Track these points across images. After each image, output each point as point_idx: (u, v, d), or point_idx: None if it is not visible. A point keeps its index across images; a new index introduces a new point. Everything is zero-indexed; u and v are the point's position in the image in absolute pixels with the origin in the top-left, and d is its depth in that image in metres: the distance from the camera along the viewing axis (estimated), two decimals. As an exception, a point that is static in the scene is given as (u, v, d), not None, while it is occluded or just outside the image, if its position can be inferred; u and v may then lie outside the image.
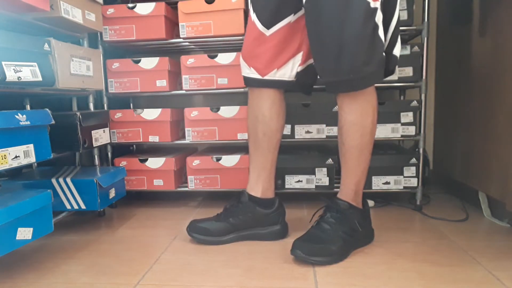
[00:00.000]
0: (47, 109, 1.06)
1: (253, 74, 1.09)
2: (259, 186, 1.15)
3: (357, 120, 0.99)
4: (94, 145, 1.33)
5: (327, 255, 0.97)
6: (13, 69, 0.96)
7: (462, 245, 1.08)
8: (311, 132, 1.42)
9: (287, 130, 1.42)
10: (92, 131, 1.32)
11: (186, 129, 1.49)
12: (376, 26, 0.92)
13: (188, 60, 1.46)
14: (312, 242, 0.99)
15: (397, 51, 1.01)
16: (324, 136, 1.42)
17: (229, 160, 1.46)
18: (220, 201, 1.59)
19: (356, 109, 0.99)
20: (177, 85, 1.60)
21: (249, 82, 1.11)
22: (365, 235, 1.09)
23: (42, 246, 1.15)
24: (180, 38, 1.47)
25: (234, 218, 1.12)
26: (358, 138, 1.00)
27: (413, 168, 1.40)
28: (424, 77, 1.38)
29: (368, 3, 0.90)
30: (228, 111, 1.45)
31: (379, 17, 0.92)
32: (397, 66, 1.05)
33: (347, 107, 1.00)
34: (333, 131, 1.41)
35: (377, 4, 0.91)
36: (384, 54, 0.96)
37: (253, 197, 1.14)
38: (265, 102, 1.11)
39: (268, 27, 1.04)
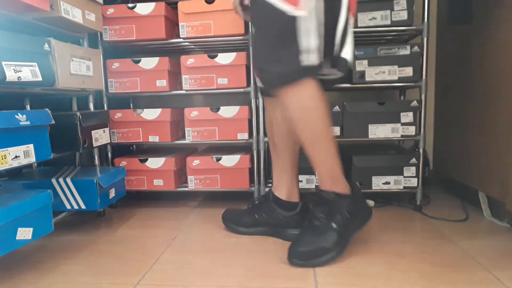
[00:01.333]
0: (47, 109, 1.06)
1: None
2: (282, 188, 1.18)
3: (295, 116, 1.00)
4: (94, 145, 1.33)
5: (324, 254, 0.97)
6: (13, 69, 0.96)
7: (462, 245, 1.08)
8: (311, 132, 1.42)
9: (287, 130, 1.42)
10: (92, 131, 1.32)
11: (186, 129, 1.49)
12: (293, 33, 0.94)
13: (188, 60, 1.46)
14: (305, 245, 0.98)
15: (347, 53, 1.02)
16: (324, 136, 1.42)
17: (229, 160, 1.46)
18: (220, 201, 1.59)
19: (290, 107, 1.00)
20: (177, 85, 1.60)
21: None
22: (360, 218, 1.07)
23: (42, 246, 1.15)
24: (180, 38, 1.47)
25: (259, 214, 1.19)
26: (302, 133, 1.02)
27: (413, 168, 1.40)
28: (424, 77, 1.38)
29: (283, 12, 0.93)
30: (228, 111, 1.45)
31: (302, 24, 0.94)
32: (349, 68, 1.07)
33: (282, 106, 1.04)
34: (333, 131, 1.41)
35: (300, 13, 0.93)
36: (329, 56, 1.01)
37: (276, 197, 1.17)
38: (278, 106, 1.13)
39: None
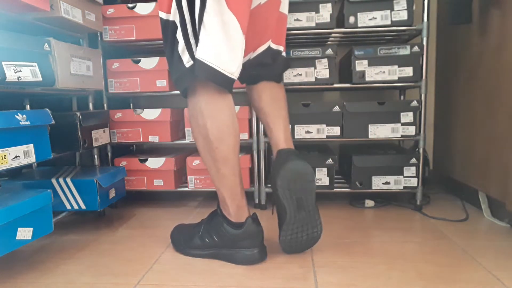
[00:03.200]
0: (47, 109, 1.06)
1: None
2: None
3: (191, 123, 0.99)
4: (94, 145, 1.33)
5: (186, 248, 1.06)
6: (13, 69, 0.96)
7: (462, 245, 1.08)
8: (311, 132, 1.42)
9: (287, 130, 1.42)
10: (92, 131, 1.32)
11: (186, 129, 1.49)
12: (175, 41, 0.91)
13: (188, 60, 1.45)
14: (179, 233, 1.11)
15: (202, 52, 0.87)
16: (324, 136, 1.42)
17: (229, 160, 1.46)
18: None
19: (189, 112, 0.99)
20: (177, 85, 1.60)
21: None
22: (239, 255, 0.98)
23: (42, 246, 1.15)
24: (180, 38, 1.47)
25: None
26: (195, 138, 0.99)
27: (413, 168, 1.40)
28: (424, 77, 1.38)
29: (161, 18, 0.93)
30: (228, 111, 1.44)
31: (176, 27, 0.90)
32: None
33: None
34: (333, 131, 1.41)
35: (169, 16, 0.91)
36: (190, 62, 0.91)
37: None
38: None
39: None
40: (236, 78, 0.92)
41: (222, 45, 0.87)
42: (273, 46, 1.09)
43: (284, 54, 1.13)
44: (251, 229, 0.97)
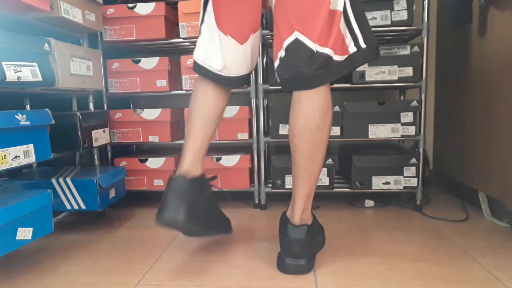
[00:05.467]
0: (47, 109, 1.06)
1: None
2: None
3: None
4: (94, 145, 1.33)
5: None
6: (13, 69, 0.96)
7: (462, 245, 1.08)
8: (311, 132, 1.42)
9: (287, 130, 1.42)
10: (92, 131, 1.32)
11: (186, 129, 1.49)
12: None
13: (188, 60, 1.46)
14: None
15: (194, 55, 1.05)
16: (324, 136, 1.42)
17: (229, 160, 1.46)
18: (220, 201, 1.59)
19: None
20: (177, 85, 1.60)
21: None
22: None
23: (42, 246, 1.15)
24: (180, 38, 1.47)
25: None
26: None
27: (413, 168, 1.40)
28: (424, 77, 1.38)
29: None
30: (228, 111, 1.45)
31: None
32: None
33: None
34: (333, 131, 1.41)
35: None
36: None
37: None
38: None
39: None
40: (226, 75, 0.99)
41: (208, 47, 1.00)
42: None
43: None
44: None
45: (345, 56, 0.89)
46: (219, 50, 0.98)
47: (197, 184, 0.98)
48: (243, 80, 1.04)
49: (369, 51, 0.89)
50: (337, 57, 0.88)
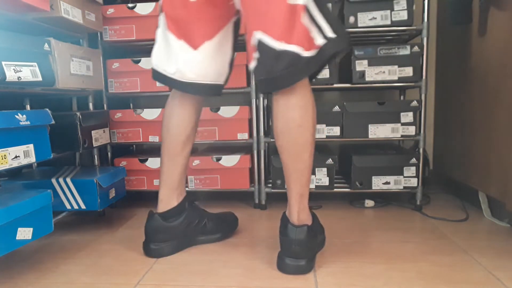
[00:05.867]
0: (47, 109, 1.06)
1: None
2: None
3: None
4: (94, 145, 1.33)
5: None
6: (13, 69, 0.96)
7: (462, 245, 1.08)
8: (311, 132, 1.42)
9: (287, 130, 1.42)
10: (92, 131, 1.32)
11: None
12: None
13: (188, 60, 1.45)
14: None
15: (151, 60, 1.06)
16: (324, 136, 1.42)
17: (229, 160, 1.46)
18: (220, 201, 1.60)
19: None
20: (177, 85, 1.59)
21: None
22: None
23: (42, 246, 1.15)
24: (180, 38, 1.47)
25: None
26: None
27: (413, 168, 1.40)
28: (424, 77, 1.38)
29: None
30: (228, 111, 1.45)
31: None
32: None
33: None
34: (333, 131, 1.41)
35: None
36: None
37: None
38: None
39: None
40: (181, 80, 0.99)
41: (162, 51, 1.01)
42: None
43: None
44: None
45: (315, 50, 0.85)
46: (172, 53, 0.98)
47: (173, 214, 1.07)
48: (210, 90, 1.02)
49: (339, 40, 0.85)
50: (307, 53, 0.85)
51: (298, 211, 0.93)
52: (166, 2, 0.97)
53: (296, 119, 0.88)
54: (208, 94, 1.03)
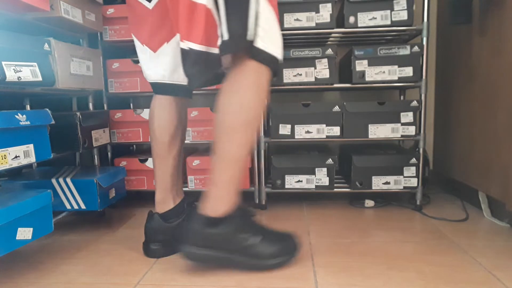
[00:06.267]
0: (47, 109, 1.06)
1: None
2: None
3: None
4: (94, 145, 1.33)
5: None
6: (13, 69, 0.96)
7: (462, 245, 1.08)
8: (311, 132, 1.42)
9: (287, 130, 1.42)
10: (92, 131, 1.32)
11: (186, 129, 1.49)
12: None
13: (188, 60, 1.45)
14: None
15: None
16: (324, 136, 1.42)
17: (229, 160, 1.46)
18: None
19: None
20: (177, 85, 1.59)
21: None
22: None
23: (42, 246, 1.15)
24: (180, 38, 1.47)
25: None
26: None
27: (413, 168, 1.40)
28: (424, 77, 1.38)
29: None
30: (228, 111, 1.44)
31: None
32: None
33: None
34: (333, 131, 1.41)
35: None
36: None
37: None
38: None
39: None
40: (154, 80, 1.03)
41: (147, 59, 1.03)
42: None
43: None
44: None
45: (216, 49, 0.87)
46: (139, 58, 1.04)
47: (172, 215, 1.06)
48: (173, 90, 1.03)
49: (230, 42, 0.83)
50: (213, 50, 0.87)
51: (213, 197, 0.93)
52: (129, 15, 1.03)
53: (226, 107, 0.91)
54: (173, 94, 1.04)
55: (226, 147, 0.90)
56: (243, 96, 0.89)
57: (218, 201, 0.93)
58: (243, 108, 0.89)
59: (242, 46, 0.85)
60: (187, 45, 0.86)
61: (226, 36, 0.83)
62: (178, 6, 0.85)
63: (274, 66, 0.90)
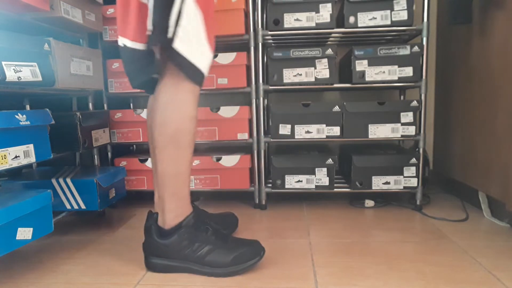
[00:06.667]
0: (47, 109, 1.06)
1: None
2: None
3: None
4: (94, 145, 1.33)
5: None
6: (13, 69, 0.96)
7: (462, 245, 1.08)
8: (311, 132, 1.42)
9: (287, 130, 1.42)
10: (92, 131, 1.32)
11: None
12: None
13: (188, 60, 1.45)
14: None
15: None
16: (324, 136, 1.42)
17: (229, 160, 1.46)
18: (220, 201, 1.60)
19: None
20: (177, 85, 1.59)
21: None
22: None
23: (42, 246, 1.15)
24: (180, 38, 1.47)
25: None
26: None
27: (413, 168, 1.40)
28: (424, 77, 1.38)
29: None
30: (228, 111, 1.45)
31: None
32: None
33: None
34: (333, 131, 1.41)
35: None
36: None
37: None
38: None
39: None
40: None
41: None
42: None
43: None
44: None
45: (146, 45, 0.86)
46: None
47: None
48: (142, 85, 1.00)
49: (153, 34, 0.82)
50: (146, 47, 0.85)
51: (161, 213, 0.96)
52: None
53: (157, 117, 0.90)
54: (151, 93, 1.00)
55: (160, 164, 0.92)
56: (162, 114, 0.89)
57: (168, 214, 0.95)
58: (166, 125, 0.89)
59: (161, 40, 0.82)
60: (122, 41, 0.85)
61: (150, 27, 0.82)
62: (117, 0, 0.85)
63: (194, 75, 0.86)
